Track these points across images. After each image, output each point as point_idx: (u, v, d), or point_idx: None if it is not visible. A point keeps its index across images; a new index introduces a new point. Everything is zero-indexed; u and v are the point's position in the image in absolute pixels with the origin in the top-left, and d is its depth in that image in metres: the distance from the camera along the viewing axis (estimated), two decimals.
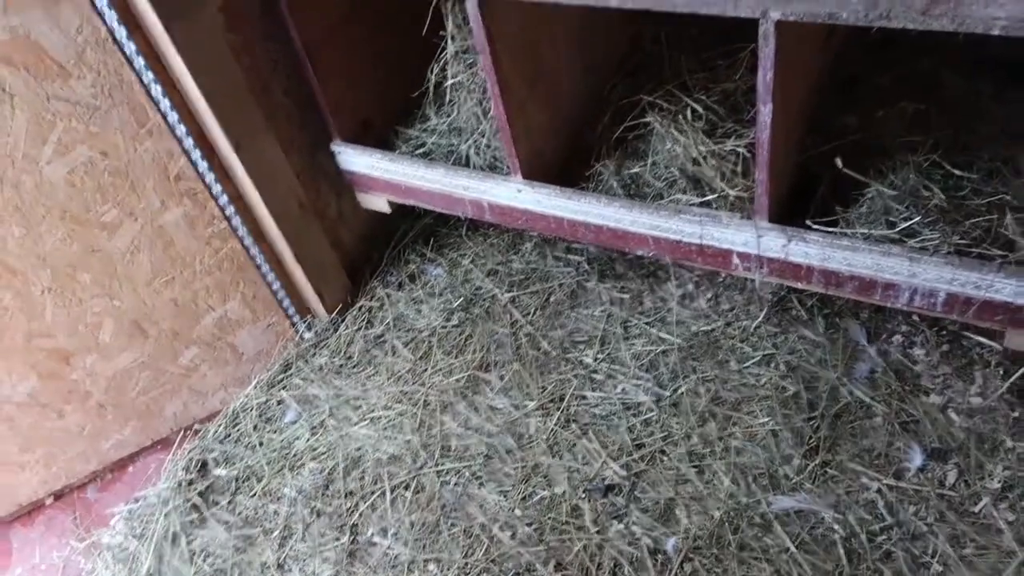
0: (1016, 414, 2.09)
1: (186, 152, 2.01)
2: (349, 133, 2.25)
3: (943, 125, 1.82)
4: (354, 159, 2.26)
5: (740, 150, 1.88)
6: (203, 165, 2.04)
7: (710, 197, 1.87)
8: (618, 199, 1.91)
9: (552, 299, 2.44)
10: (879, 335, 2.24)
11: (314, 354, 2.45)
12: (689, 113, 1.99)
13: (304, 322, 2.46)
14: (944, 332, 2.20)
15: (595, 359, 2.27)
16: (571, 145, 2.11)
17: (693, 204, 1.86)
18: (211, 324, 2.26)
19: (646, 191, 1.95)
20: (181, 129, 1.98)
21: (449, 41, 2.12)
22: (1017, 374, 1.95)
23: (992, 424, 2.07)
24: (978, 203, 1.70)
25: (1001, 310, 1.66)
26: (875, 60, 2.01)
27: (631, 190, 1.96)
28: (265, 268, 2.27)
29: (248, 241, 2.20)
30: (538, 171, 2.01)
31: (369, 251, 2.60)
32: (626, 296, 2.39)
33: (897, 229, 1.67)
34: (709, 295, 2.37)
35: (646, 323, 2.31)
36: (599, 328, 2.33)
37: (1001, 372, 2.13)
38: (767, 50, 1.47)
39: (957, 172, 1.71)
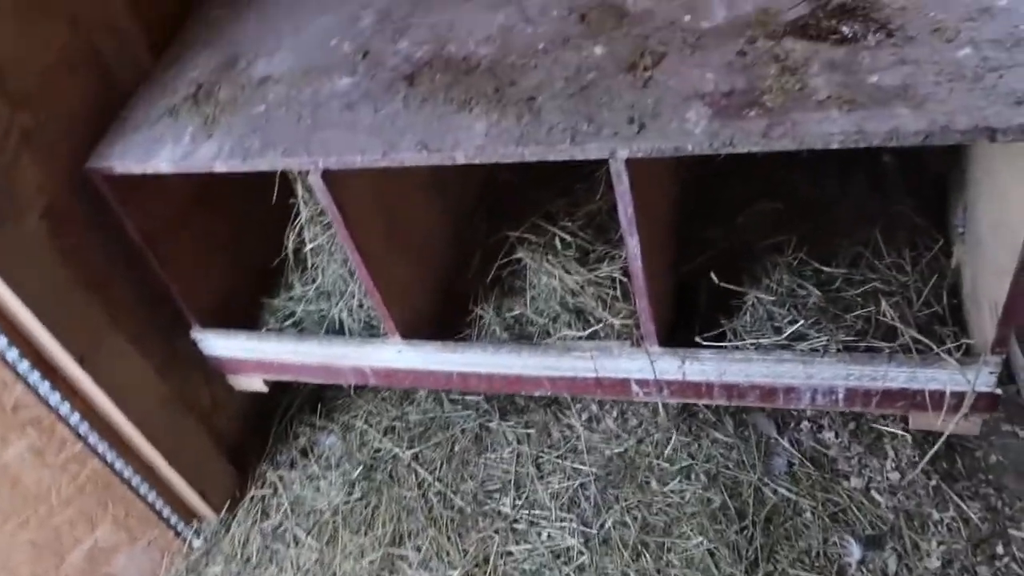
0: (934, 482, 2.09)
1: (22, 378, 1.80)
2: (209, 317, 2.09)
3: (801, 221, 1.85)
4: (218, 343, 2.10)
5: (616, 275, 1.84)
6: (44, 387, 1.83)
7: (596, 327, 1.81)
8: (505, 345, 1.83)
9: (457, 448, 2.31)
10: (788, 424, 2.22)
11: (207, 563, 2.20)
12: (558, 242, 1.96)
13: (191, 529, 2.22)
14: (848, 412, 2.20)
15: (513, 507, 2.14)
16: (446, 293, 2.03)
17: (581, 338, 1.80)
18: (80, 559, 1.99)
19: (531, 330, 1.88)
20: (12, 354, 1.77)
21: (301, 205, 2.02)
22: (933, 450, 1.95)
23: (915, 498, 2.06)
24: (852, 294, 1.71)
25: (899, 397, 1.66)
26: (725, 165, 2.05)
27: (516, 331, 1.89)
28: (135, 481, 2.04)
29: (110, 457, 1.97)
30: (416, 327, 1.91)
31: (253, 433, 2.40)
32: (532, 431, 2.28)
33: (784, 335, 1.65)
34: (615, 413, 2.29)
35: (558, 457, 2.21)
36: (511, 471, 2.21)
37: (910, 440, 2.14)
38: (622, 188, 1.45)
39: (826, 269, 1.72)
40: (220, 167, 1.66)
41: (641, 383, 1.78)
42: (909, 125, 1.26)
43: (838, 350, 1.63)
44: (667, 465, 2.14)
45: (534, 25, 1.65)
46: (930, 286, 1.73)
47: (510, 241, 1.98)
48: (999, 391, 1.63)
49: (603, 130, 1.41)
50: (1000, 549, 2.02)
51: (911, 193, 1.95)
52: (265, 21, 1.96)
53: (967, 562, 1.98)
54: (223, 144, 1.67)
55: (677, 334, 1.77)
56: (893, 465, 2.13)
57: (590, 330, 1.80)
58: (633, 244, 1.53)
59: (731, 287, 1.73)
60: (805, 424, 2.22)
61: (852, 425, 2.19)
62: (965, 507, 2.06)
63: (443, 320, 1.98)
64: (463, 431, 2.33)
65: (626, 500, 2.09)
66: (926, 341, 1.61)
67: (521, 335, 1.87)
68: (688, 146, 1.36)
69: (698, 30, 1.51)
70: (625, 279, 1.83)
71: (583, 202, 2.05)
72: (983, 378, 1.59)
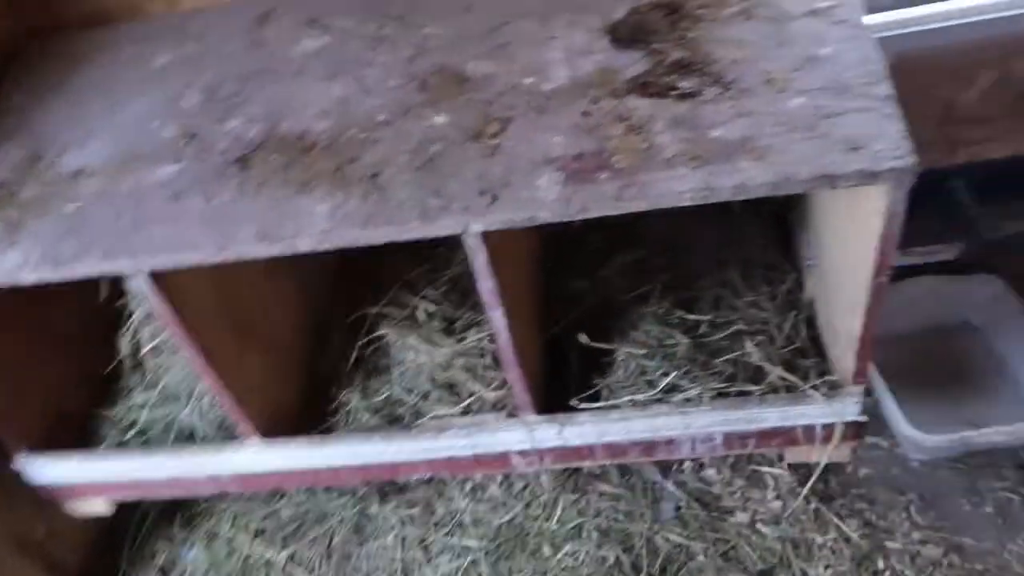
0: (813, 506, 2.14)
1: None
2: (37, 439, 1.84)
3: (662, 268, 1.85)
4: (49, 469, 1.84)
5: (484, 344, 1.77)
6: None
7: (469, 401, 1.73)
8: (376, 432, 1.71)
9: (336, 541, 2.14)
10: (671, 466, 2.21)
11: None
12: (422, 313, 1.87)
13: None
14: None
15: None
16: (307, 382, 1.89)
17: (454, 415, 1.71)
18: None
19: (401, 411, 1.77)
20: None
21: (133, 304, 1.83)
22: (809, 484, 1.99)
23: (798, 525, 2.10)
24: (719, 337, 1.72)
25: (774, 435, 1.68)
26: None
27: (385, 414, 1.77)
28: None
29: None
30: (277, 424, 1.75)
31: (101, 559, 2.13)
32: (415, 510, 2.16)
33: (659, 389, 1.63)
34: (499, 479, 2.21)
35: (445, 535, 2.09)
36: (397, 559, 2.07)
37: (785, 465, 2.19)
38: (479, 262, 1.38)
39: (691, 317, 1.72)
40: (28, 277, 1.46)
41: (521, 454, 1.71)
42: (755, 178, 1.27)
43: (712, 398, 1.63)
44: (557, 527, 2.08)
45: (373, 96, 1.57)
46: (789, 322, 1.77)
47: (370, 318, 1.87)
48: (864, 418, 1.68)
49: (453, 204, 1.34)
50: (880, 563, 2.09)
51: (761, 230, 2.01)
52: (75, 106, 1.76)
53: None
54: (30, 251, 1.47)
55: (553, 397, 1.71)
56: (774, 495, 2.17)
57: (463, 404, 1.71)
58: (497, 317, 1.46)
59: (601, 345, 1.70)
60: (687, 464, 2.23)
61: (732, 459, 2.22)
62: (844, 527, 2.12)
63: (306, 411, 1.83)
64: (341, 521, 2.17)
65: (520, 572, 2.01)
66: (792, 379, 1.64)
67: (392, 418, 1.76)
68: (542, 215, 1.32)
69: (541, 92, 1.48)
70: (495, 345, 1.76)
71: (444, 267, 1.98)
72: (849, 409, 1.63)
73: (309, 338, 1.94)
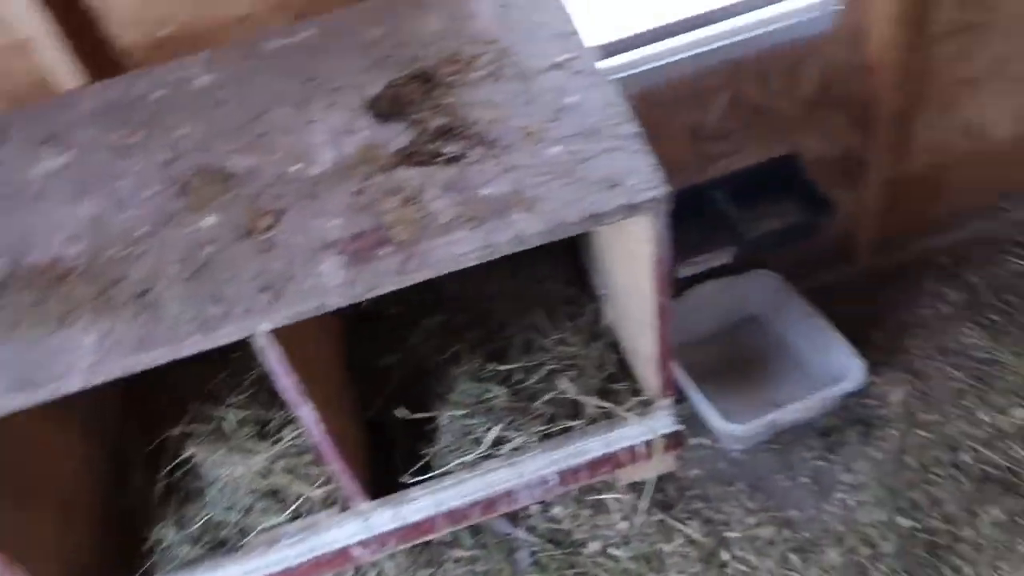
0: (657, 517, 2.24)
1: None
2: None
3: (468, 324, 1.87)
4: None
5: (302, 440, 1.69)
6: None
7: (297, 504, 1.63)
8: (199, 565, 1.57)
9: None
10: (517, 513, 2.22)
11: None
12: (230, 422, 1.75)
13: None
14: None
15: None
16: (110, 529, 1.70)
17: (284, 523, 1.61)
18: None
19: (224, 534, 1.64)
20: None
21: None
22: (644, 501, 2.07)
23: (646, 540, 2.18)
24: (534, 381, 1.76)
25: (603, 462, 1.72)
26: None
27: (208, 541, 1.63)
28: None
29: None
30: None
31: None
32: None
33: (486, 446, 1.63)
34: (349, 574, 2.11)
35: None
36: None
37: (622, 486, 2.27)
38: (273, 361, 1.32)
39: (503, 367, 1.75)
40: None
41: (362, 545, 1.64)
42: (529, 229, 1.31)
43: (538, 441, 1.65)
44: None
45: (129, 208, 1.46)
46: (596, 352, 1.84)
47: (173, 440, 1.73)
48: (681, 427, 1.77)
49: (235, 308, 1.27)
50: (725, 555, 2.21)
51: (555, 267, 2.09)
52: None
53: None
54: None
55: (383, 477, 1.66)
56: (620, 516, 2.24)
57: (291, 509, 1.62)
58: (307, 413, 1.40)
59: (421, 415, 1.68)
60: (534, 507, 2.25)
61: (574, 492, 2.26)
62: (687, 530, 2.23)
63: (112, 558, 1.65)
64: None
65: None
66: (607, 406, 1.70)
67: (215, 543, 1.62)
68: (330, 302, 1.28)
69: (309, 178, 1.45)
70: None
71: (245, 369, 1.87)
72: (664, 422, 1.72)
73: (105, 479, 1.75)
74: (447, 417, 1.69)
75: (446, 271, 1.32)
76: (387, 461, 1.71)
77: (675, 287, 2.62)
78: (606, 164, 1.38)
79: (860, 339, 2.57)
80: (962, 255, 2.89)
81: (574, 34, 1.60)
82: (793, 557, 2.22)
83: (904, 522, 2.26)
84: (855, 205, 2.68)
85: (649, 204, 1.33)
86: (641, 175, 1.35)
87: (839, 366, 2.48)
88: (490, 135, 1.46)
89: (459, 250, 1.31)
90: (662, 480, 2.36)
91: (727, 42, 2.23)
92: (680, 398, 2.56)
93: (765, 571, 2.17)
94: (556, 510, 2.24)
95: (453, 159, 1.44)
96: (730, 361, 2.71)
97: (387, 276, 1.29)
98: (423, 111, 1.52)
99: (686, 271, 2.49)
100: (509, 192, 1.37)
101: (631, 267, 1.59)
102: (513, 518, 2.20)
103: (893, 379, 2.58)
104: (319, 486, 1.63)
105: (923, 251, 2.89)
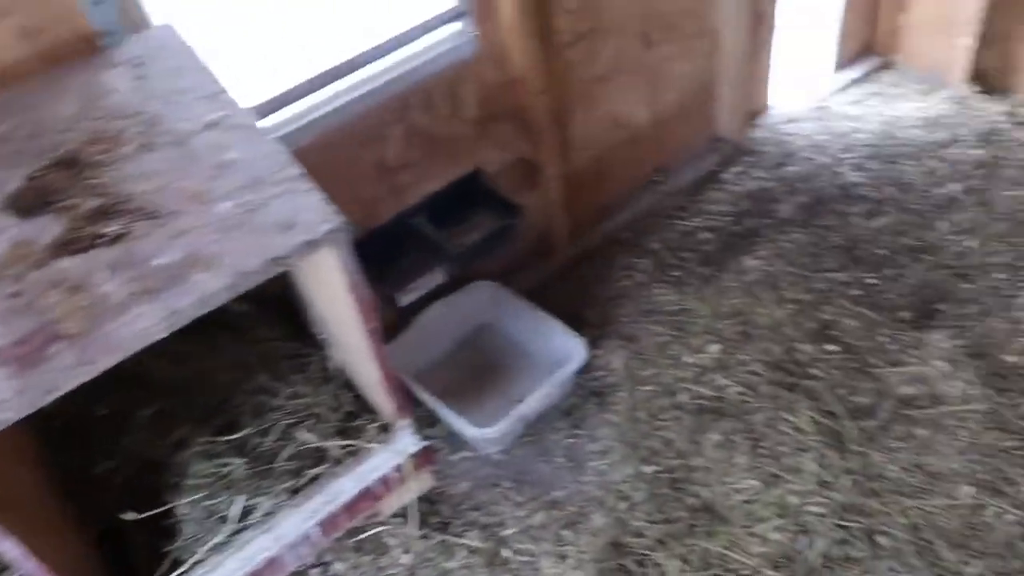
0: (436, 539, 2.28)
1: None
2: None
3: (188, 403, 1.79)
4: None
5: None
6: None
7: None
8: None
9: None
10: None
11: None
12: None
13: None
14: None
15: None
16: None
17: None
18: None
19: None
20: None
21: None
22: (414, 516, 2.09)
23: (431, 564, 2.21)
24: (272, 441, 1.72)
25: (363, 500, 1.74)
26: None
27: None
28: None
29: None
30: None
31: None
32: None
33: (233, 521, 1.57)
34: None
35: None
36: None
37: (398, 519, 2.28)
38: None
39: (234, 437, 1.70)
40: None
41: None
42: (212, 287, 1.30)
43: (288, 498, 1.63)
44: None
45: None
46: (329, 394, 1.85)
47: None
48: (427, 443, 1.84)
49: None
50: (506, 553, 2.31)
51: (271, 325, 2.06)
52: None
53: None
54: None
55: None
56: (401, 550, 2.25)
57: None
58: (11, 548, 1.26)
59: (156, 511, 1.57)
60: (313, 572, 2.19)
61: (351, 542, 2.24)
62: (467, 541, 2.29)
63: None
64: None
65: None
66: (350, 443, 1.72)
67: None
68: (4, 417, 1.17)
69: None
70: None
71: None
72: (408, 442, 1.77)
73: None
74: (186, 505, 1.60)
75: (134, 350, 1.26)
76: (131, 573, 1.58)
77: (402, 316, 2.71)
78: (278, 209, 1.41)
79: (576, 320, 2.83)
80: (639, 228, 3.29)
81: (222, 93, 1.62)
82: (565, 532, 2.37)
83: (647, 469, 2.52)
84: (540, 205, 2.95)
85: (327, 237, 1.38)
86: (314, 212, 1.40)
87: (564, 349, 2.70)
88: (152, 206, 1.42)
89: (142, 325, 1.26)
90: (434, 501, 2.41)
91: (389, 78, 2.36)
92: (433, 420, 2.64)
93: (543, 554, 2.30)
94: (337, 567, 2.19)
95: (116, 238, 1.38)
96: (472, 372, 2.84)
97: (65, 373, 1.21)
98: (73, 196, 1.44)
99: (408, 298, 2.57)
100: (184, 257, 1.35)
101: (335, 303, 1.62)
102: None
103: (611, 348, 2.86)
104: None
105: (608, 232, 3.25)
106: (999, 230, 3.05)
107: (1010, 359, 2.66)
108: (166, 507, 1.59)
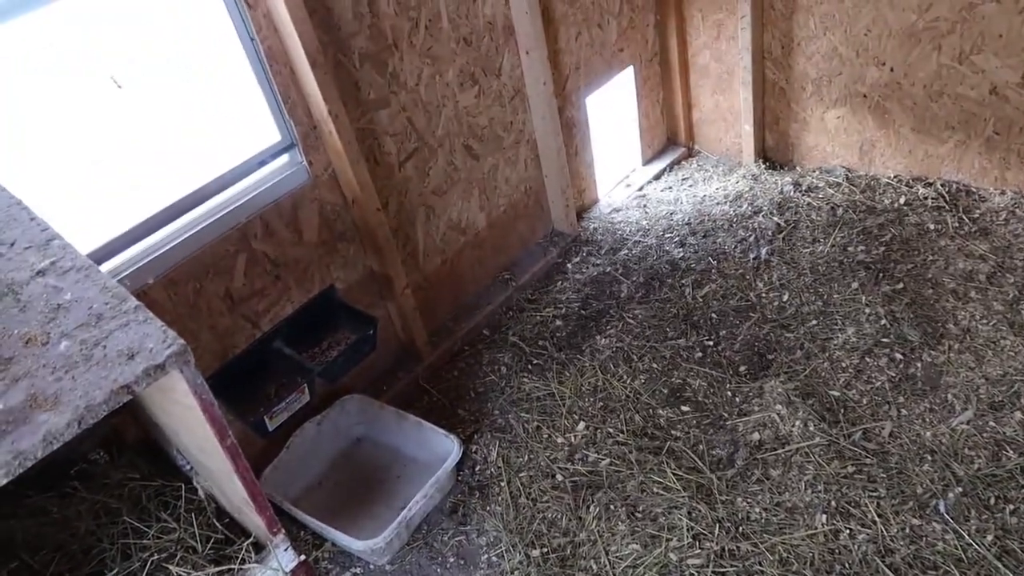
0: None
1: None
2: None
3: (47, 562, 1.72)
4: None
5: None
6: None
7: None
8: None
9: None
10: None
11: None
12: None
13: None
14: None
15: None
16: None
17: None
18: None
19: None
20: None
21: None
22: None
23: None
24: None
25: None
26: None
27: None
28: None
29: None
30: None
31: None
32: None
33: None
34: None
35: None
36: None
37: None
38: None
39: None
40: None
41: None
42: (58, 423, 1.31)
43: None
44: None
45: None
46: (198, 525, 1.82)
47: None
48: (302, 557, 1.83)
49: None
50: None
51: (130, 472, 2.02)
52: None
53: None
54: None
55: None
56: None
57: None
58: None
59: None
60: None
61: None
62: None
63: None
64: None
65: None
66: (226, 567, 1.70)
67: None
68: None
69: None
70: None
71: None
72: (283, 558, 1.76)
73: None
74: None
75: None
76: None
77: (273, 442, 2.70)
78: (119, 341, 1.45)
79: (449, 420, 2.91)
80: (496, 323, 3.46)
81: (53, 239, 1.66)
82: None
83: (535, 552, 2.58)
84: (397, 313, 3.07)
85: (172, 359, 1.43)
86: (155, 338, 1.45)
87: (441, 450, 2.76)
88: None
89: None
90: None
91: (225, 211, 2.45)
92: (319, 541, 2.61)
93: None
94: None
95: None
96: (353, 486, 2.83)
97: None
98: None
99: (275, 422, 2.58)
100: (25, 399, 1.35)
101: (191, 426, 1.65)
102: None
103: (486, 441, 2.95)
104: None
105: (469, 331, 3.40)
106: (806, 283, 3.43)
107: (835, 393, 2.96)
108: None
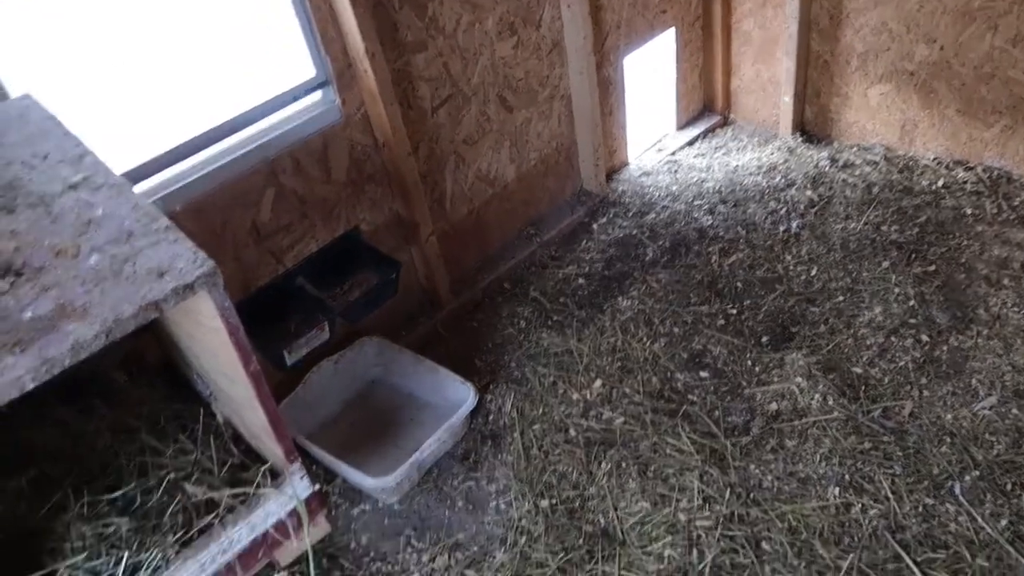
0: None
1: None
2: None
3: (64, 473, 1.75)
4: None
5: None
6: None
7: None
8: None
9: None
10: None
11: None
12: None
13: None
14: None
15: None
16: None
17: None
18: None
19: None
20: None
21: None
22: (312, 566, 2.08)
23: None
24: (157, 498, 1.70)
25: (256, 548, 1.73)
26: None
27: None
28: None
29: None
30: None
31: None
32: None
33: None
34: None
35: None
36: None
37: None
38: None
39: (117, 494, 1.67)
40: None
41: None
42: (86, 334, 1.32)
43: (178, 551, 1.61)
44: None
45: None
46: (216, 448, 1.85)
47: None
48: (317, 486, 1.86)
49: None
50: None
51: (151, 391, 2.05)
52: None
53: None
54: None
55: None
56: None
57: None
58: None
59: None
60: None
61: None
62: None
63: None
64: None
65: None
66: (241, 491, 1.72)
67: None
68: None
69: None
70: None
71: None
72: (298, 485, 1.78)
73: None
74: (66, 570, 1.55)
75: (6, 400, 1.26)
76: None
77: (290, 377, 2.72)
78: (149, 259, 1.45)
79: (466, 368, 2.92)
80: (518, 277, 3.45)
81: (86, 155, 1.66)
82: (469, 572, 2.40)
83: (544, 503, 2.60)
84: (420, 260, 3.07)
85: (201, 280, 1.43)
86: (185, 259, 1.45)
87: (455, 396, 2.78)
88: (18, 263, 1.44)
89: (14, 375, 1.26)
90: (335, 556, 2.39)
91: (257, 144, 2.45)
92: (330, 476, 2.64)
93: None
94: None
95: None
96: (367, 426, 2.86)
97: None
98: None
99: (294, 357, 2.60)
100: (54, 309, 1.36)
101: (216, 350, 1.66)
102: None
103: (501, 392, 2.96)
104: None
105: (490, 283, 3.39)
106: (835, 259, 3.38)
107: (857, 370, 2.92)
108: (43, 572, 1.54)
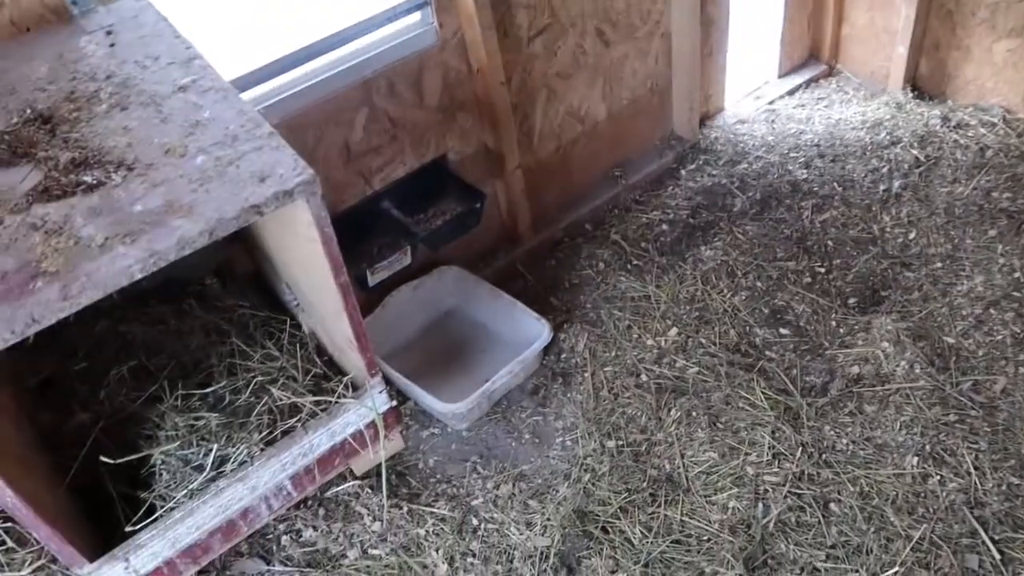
0: (405, 508, 2.33)
1: None
2: None
3: (160, 367, 1.83)
4: None
5: None
6: None
7: None
8: None
9: None
10: (270, 549, 2.18)
11: None
12: None
13: None
14: (308, 501, 2.28)
15: None
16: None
17: None
18: None
19: None
20: None
21: None
22: (386, 479, 2.14)
23: (400, 531, 2.26)
24: (245, 398, 1.77)
25: (334, 455, 1.79)
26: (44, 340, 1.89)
27: None
28: None
29: None
30: None
31: None
32: None
33: (209, 468, 1.61)
34: None
35: None
36: None
37: (367, 491, 2.33)
38: None
39: (208, 390, 1.74)
40: None
41: None
42: (191, 230, 1.36)
43: (262, 449, 1.67)
44: None
45: None
46: (300, 357, 1.90)
47: None
48: (395, 402, 1.90)
49: None
50: (474, 521, 2.37)
51: (241, 298, 2.12)
52: None
53: (459, 549, 2.27)
54: None
55: (109, 532, 1.56)
56: (371, 519, 2.29)
57: None
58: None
59: (130, 458, 1.61)
60: (284, 538, 2.22)
61: (322, 511, 2.27)
62: (436, 510, 2.34)
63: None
64: None
65: None
66: (323, 399, 1.78)
67: None
68: None
69: None
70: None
71: None
72: (377, 399, 1.83)
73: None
74: (160, 455, 1.64)
75: (115, 288, 1.31)
76: (111, 520, 1.61)
77: (370, 298, 2.77)
78: (252, 163, 1.47)
79: (541, 306, 2.91)
80: (600, 219, 3.40)
81: (195, 59, 1.69)
82: (532, 502, 2.44)
83: (611, 443, 2.60)
84: (504, 193, 3.05)
85: (301, 187, 1.45)
86: (287, 165, 1.47)
87: (530, 332, 2.78)
88: (129, 158, 1.48)
89: (123, 264, 1.31)
90: (404, 474, 2.46)
91: (352, 63, 2.44)
92: (403, 398, 2.70)
93: (510, 522, 2.35)
94: (308, 533, 2.22)
95: (94, 186, 1.44)
96: (440, 353, 2.90)
97: (49, 305, 1.26)
98: (50, 148, 1.50)
99: (376, 278, 2.64)
100: (162, 204, 1.41)
101: (307, 260, 1.69)
102: (265, 557, 2.14)
103: (575, 332, 2.95)
104: (30, 567, 1.49)
105: (571, 222, 3.36)
106: (937, 223, 3.21)
107: (950, 340, 2.80)
108: (141, 455, 1.63)
